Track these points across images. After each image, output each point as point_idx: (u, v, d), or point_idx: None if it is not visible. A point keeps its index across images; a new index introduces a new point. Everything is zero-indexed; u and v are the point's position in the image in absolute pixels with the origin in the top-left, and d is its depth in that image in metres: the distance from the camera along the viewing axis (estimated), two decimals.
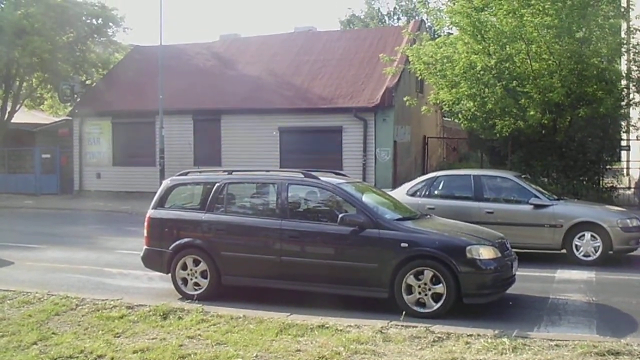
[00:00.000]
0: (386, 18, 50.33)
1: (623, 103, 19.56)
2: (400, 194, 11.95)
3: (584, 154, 19.06)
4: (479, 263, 7.64)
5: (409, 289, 7.69)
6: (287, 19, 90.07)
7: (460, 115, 20.51)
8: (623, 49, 19.49)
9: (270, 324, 6.91)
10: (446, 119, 29.62)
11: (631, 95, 19.79)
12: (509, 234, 9.45)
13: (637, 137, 20.14)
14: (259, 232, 8.59)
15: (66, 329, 6.95)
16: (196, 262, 8.74)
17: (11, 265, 11.43)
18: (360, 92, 22.44)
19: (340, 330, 6.69)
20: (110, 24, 29.57)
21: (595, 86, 18.35)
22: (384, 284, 7.78)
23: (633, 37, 19.17)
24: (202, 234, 8.80)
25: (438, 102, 20.79)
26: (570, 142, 19.07)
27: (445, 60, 19.08)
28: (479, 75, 18.32)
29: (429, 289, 7.63)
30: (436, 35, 24.95)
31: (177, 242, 8.85)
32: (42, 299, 8.15)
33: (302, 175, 8.79)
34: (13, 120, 29.46)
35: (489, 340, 6.25)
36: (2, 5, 27.91)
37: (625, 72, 19.81)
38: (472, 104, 19.22)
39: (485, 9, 18.53)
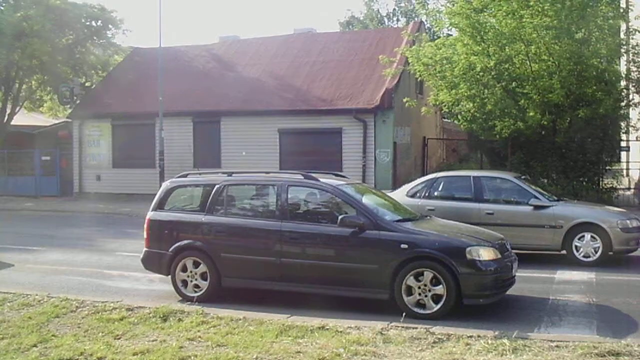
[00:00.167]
0: (385, 19, 50.34)
1: (622, 104, 19.58)
2: (400, 195, 11.95)
3: (583, 155, 19.06)
4: (479, 264, 7.64)
5: (409, 290, 7.70)
6: (287, 20, 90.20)
7: (459, 117, 20.52)
8: (622, 50, 19.50)
9: (270, 325, 6.91)
10: (446, 120, 29.60)
11: (631, 96, 19.80)
12: (509, 235, 9.45)
13: (636, 137, 20.14)
14: (258, 233, 8.58)
15: (66, 331, 6.95)
16: (196, 264, 8.74)
17: (11, 268, 11.42)
18: (359, 93, 22.45)
19: (341, 331, 6.69)
20: (110, 26, 29.62)
21: (594, 87, 18.35)
22: (384, 285, 7.78)
23: (632, 38, 19.18)
24: (201, 235, 8.80)
25: (438, 103, 20.80)
26: (570, 143, 19.08)
27: (444, 62, 19.10)
28: (478, 77, 18.34)
29: (429, 290, 7.63)
30: (435, 37, 25.01)
31: (177, 244, 8.85)
32: (42, 301, 8.15)
33: (302, 177, 8.79)
34: (13, 123, 29.48)
35: (489, 342, 6.25)
36: (2, 8, 27.91)
37: (625, 72, 19.82)
38: (471, 105, 19.24)
39: (485, 10, 18.55)
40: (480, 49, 17.90)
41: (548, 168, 19.02)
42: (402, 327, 6.81)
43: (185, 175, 9.73)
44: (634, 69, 19.20)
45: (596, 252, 11.12)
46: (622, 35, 20.33)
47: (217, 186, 8.98)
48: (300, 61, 25.37)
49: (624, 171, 23.41)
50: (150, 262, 9.23)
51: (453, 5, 19.01)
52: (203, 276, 8.68)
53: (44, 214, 22.00)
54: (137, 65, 28.17)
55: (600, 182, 19.91)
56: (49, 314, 7.56)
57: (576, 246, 11.21)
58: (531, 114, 18.10)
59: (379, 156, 21.90)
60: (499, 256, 7.88)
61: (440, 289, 7.58)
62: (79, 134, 26.26)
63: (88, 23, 29.13)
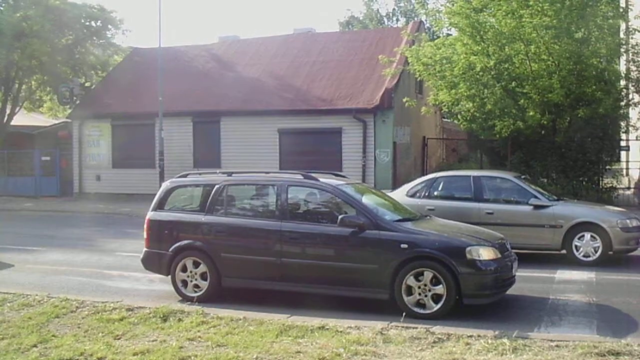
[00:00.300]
0: (385, 19, 50.35)
1: (622, 103, 19.59)
2: (400, 195, 11.95)
3: (583, 155, 19.06)
4: (478, 264, 7.64)
5: (409, 290, 7.69)
6: (286, 20, 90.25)
7: (459, 116, 20.53)
8: (622, 49, 19.51)
9: (270, 325, 6.91)
10: (445, 119, 29.61)
11: (630, 96, 19.81)
12: (509, 234, 9.45)
13: (636, 137, 20.14)
14: (258, 233, 8.58)
15: (66, 332, 6.95)
16: (196, 264, 8.74)
17: (11, 268, 11.42)
18: (359, 93, 22.45)
19: (341, 331, 6.68)
20: (109, 26, 29.61)
21: (594, 86, 18.35)
22: (384, 285, 7.78)
23: (632, 38, 19.19)
24: (201, 235, 8.80)
25: (437, 103, 20.81)
26: (569, 142, 19.08)
27: (444, 61, 19.11)
28: (478, 76, 18.35)
29: (429, 290, 7.63)
30: (435, 36, 25.01)
31: (177, 244, 8.85)
32: (42, 302, 8.15)
33: (302, 177, 8.79)
34: (12, 123, 29.47)
35: (489, 341, 6.25)
36: (1, 8, 27.92)
37: (625, 72, 19.83)
38: (471, 104, 19.25)
39: (484, 9, 18.56)
40: (479, 48, 17.91)
41: (548, 167, 19.03)
42: (402, 327, 6.81)
43: (185, 175, 9.72)
44: (634, 68, 19.20)
45: (596, 252, 11.12)
46: (621, 35, 20.34)
47: (217, 186, 8.98)
48: (300, 61, 25.37)
49: (624, 171, 23.42)
50: (150, 262, 9.23)
51: (453, 5, 19.02)
52: (203, 276, 8.68)
53: (44, 214, 21.99)
54: (136, 66, 28.17)
55: (600, 182, 19.91)
56: (49, 314, 7.56)
57: (576, 246, 11.21)
58: (531, 113, 18.10)
59: (378, 156, 21.91)
60: (499, 256, 7.88)
61: (440, 289, 7.58)
62: (79, 134, 26.25)
63: (88, 23, 29.13)
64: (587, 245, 11.16)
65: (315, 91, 23.36)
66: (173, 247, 8.85)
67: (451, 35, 21.56)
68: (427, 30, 28.51)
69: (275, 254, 8.35)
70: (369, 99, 21.95)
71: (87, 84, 30.00)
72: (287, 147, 22.75)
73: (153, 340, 6.55)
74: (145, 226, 9.24)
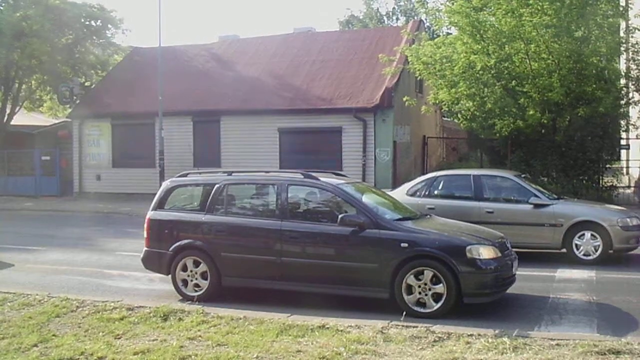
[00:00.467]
0: (385, 18, 50.35)
1: (622, 102, 19.57)
2: (400, 194, 11.95)
3: (583, 153, 19.05)
4: (479, 263, 7.64)
5: (409, 289, 7.69)
6: (286, 20, 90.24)
7: (459, 115, 20.52)
8: (622, 48, 19.49)
9: (270, 324, 6.91)
10: (446, 118, 29.63)
11: (630, 94, 19.80)
12: (509, 233, 9.44)
13: (636, 135, 20.13)
14: (259, 233, 8.58)
15: (67, 331, 6.95)
16: (196, 264, 8.74)
17: (11, 268, 11.43)
18: (359, 92, 22.44)
19: (341, 330, 6.68)
20: (109, 25, 29.62)
21: (594, 85, 18.35)
22: (384, 284, 7.78)
23: (632, 36, 19.17)
24: (202, 235, 8.80)
25: (437, 102, 20.80)
26: (569, 141, 19.07)
27: (444, 60, 19.11)
28: (478, 75, 18.34)
29: (429, 289, 7.63)
30: (435, 35, 25.00)
31: (177, 244, 8.85)
32: (42, 301, 8.15)
33: (302, 176, 8.78)
34: (12, 123, 29.49)
35: (490, 340, 6.25)
36: (1, 8, 27.91)
37: (625, 71, 19.82)
38: (471, 103, 19.25)
39: (484, 8, 18.55)
40: (479, 47, 17.90)
41: (548, 166, 19.03)
42: (403, 325, 6.81)
43: (185, 175, 9.72)
44: (634, 67, 19.19)
45: (596, 251, 11.12)
46: (621, 34, 20.32)
47: (217, 185, 8.97)
48: (300, 60, 25.36)
49: (624, 169, 23.41)
50: (151, 262, 9.23)
51: (453, 3, 19.01)
52: (203, 275, 8.68)
53: (44, 214, 22.00)
54: (136, 65, 28.16)
55: (600, 181, 19.91)
56: (49, 313, 7.56)
57: (576, 244, 11.21)
58: (531, 112, 18.09)
59: (378, 155, 21.90)
60: (499, 255, 7.88)
61: (440, 288, 7.58)
62: (79, 133, 26.25)
63: (87, 23, 29.12)
64: (587, 244, 11.15)
65: (315, 90, 23.35)
66: (173, 246, 8.85)
67: (451, 34, 21.54)
68: (427, 29, 28.48)
69: (276, 253, 8.35)
70: (369, 98, 21.94)
71: (87, 84, 30.01)
72: (287, 146, 22.75)
73: (153, 340, 6.55)
74: (145, 225, 9.24)
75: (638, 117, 19.56)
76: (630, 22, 19.42)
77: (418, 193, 12.25)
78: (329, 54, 25.25)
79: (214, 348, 6.24)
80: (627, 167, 23.45)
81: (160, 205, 9.29)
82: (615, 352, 5.87)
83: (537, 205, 11.49)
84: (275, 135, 23.03)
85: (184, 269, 8.79)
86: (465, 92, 18.78)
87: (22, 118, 31.29)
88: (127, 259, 11.97)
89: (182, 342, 6.41)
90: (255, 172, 10.15)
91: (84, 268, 11.37)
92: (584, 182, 19.17)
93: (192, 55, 28.10)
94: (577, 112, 18.07)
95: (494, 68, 18.10)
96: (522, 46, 17.87)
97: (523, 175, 13.28)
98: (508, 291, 8.27)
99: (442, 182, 12.48)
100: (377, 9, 50.80)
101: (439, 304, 7.58)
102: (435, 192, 12.29)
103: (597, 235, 11.10)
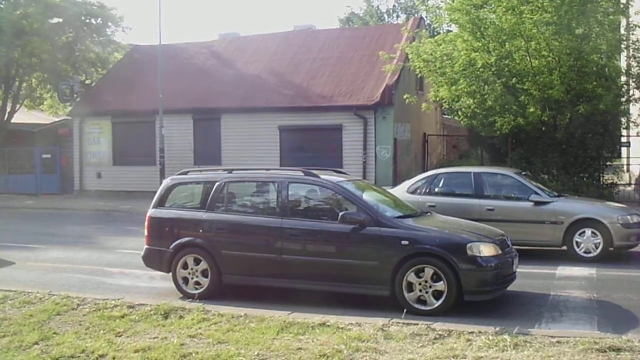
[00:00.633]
0: (385, 16, 50.32)
1: (623, 99, 19.56)
2: (400, 191, 11.94)
3: (584, 151, 19.05)
4: (479, 260, 7.64)
5: (410, 287, 7.70)
6: (286, 17, 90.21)
7: (460, 113, 20.51)
8: (623, 46, 19.49)
9: (271, 322, 6.91)
10: (446, 116, 29.61)
11: (631, 92, 19.79)
12: (510, 231, 9.45)
13: (637, 133, 20.13)
14: (259, 230, 8.59)
15: (67, 329, 6.95)
16: (197, 261, 8.74)
17: (12, 266, 11.43)
18: (360, 90, 22.43)
19: (342, 328, 6.69)
20: (109, 23, 29.62)
21: (595, 83, 18.34)
22: (385, 281, 7.78)
23: (632, 34, 19.16)
24: (202, 232, 8.79)
25: (438, 99, 20.80)
26: (570, 138, 19.06)
27: (444, 58, 19.10)
28: (478, 73, 18.33)
29: (430, 287, 7.63)
30: (435, 33, 24.94)
31: (178, 241, 8.85)
32: (43, 299, 8.15)
33: (302, 174, 8.77)
34: (13, 121, 29.50)
35: (490, 338, 6.25)
36: (1, 6, 27.90)
37: (625, 68, 19.80)
38: (471, 101, 19.24)
39: (485, 6, 18.55)
40: (480, 45, 17.90)
41: (548, 164, 19.03)
42: (403, 323, 6.81)
43: (185, 173, 9.72)
44: (634, 64, 19.19)
45: (597, 248, 11.11)
46: (622, 31, 20.31)
47: (217, 183, 8.97)
48: (300, 58, 25.34)
49: (625, 167, 23.42)
50: (151, 260, 9.23)
51: (453, 1, 19.00)
52: (204, 273, 8.68)
53: (45, 212, 22.01)
54: (136, 63, 28.14)
55: (601, 178, 19.92)
56: (50, 311, 7.57)
57: (577, 242, 11.21)
58: (531, 110, 18.09)
59: (379, 153, 21.90)
60: (500, 252, 7.88)
61: (441, 285, 7.58)
62: (79, 131, 26.24)
63: (88, 21, 29.12)
64: (587, 241, 11.15)
65: (316, 88, 23.35)
66: (174, 244, 8.85)
67: (451, 31, 21.52)
68: (427, 27, 28.48)
69: (276, 251, 8.35)
70: (370, 96, 21.93)
71: (87, 82, 30.01)
72: (287, 144, 22.74)
73: (154, 338, 6.56)
74: (146, 223, 9.23)
75: (638, 115, 19.56)
76: (630, 19, 19.40)
77: (418, 190, 12.26)
78: (329, 52, 25.23)
79: (214, 346, 6.24)
80: (628, 165, 23.45)
81: (160, 203, 9.28)
82: (616, 350, 5.87)
83: (537, 203, 11.49)
84: (275, 133, 23.02)
85: (185, 266, 8.79)
86: (465, 90, 18.77)
87: (23, 116, 31.29)
88: (128, 257, 11.97)
89: (182, 340, 6.41)
90: (256, 169, 10.14)
91: (85, 266, 11.38)
92: (585, 179, 19.17)
93: (192, 53, 28.09)
94: (577, 110, 18.06)
95: (495, 65, 18.08)
96: (523, 44, 17.86)
97: (523, 173, 13.28)
98: (509, 289, 8.27)
99: (442, 180, 12.48)
100: (378, 6, 50.79)
101: (440, 302, 7.58)
102: (436, 189, 12.29)
103: (598, 233, 11.10)
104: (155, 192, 9.61)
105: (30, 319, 7.28)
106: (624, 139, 22.17)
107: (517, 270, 8.34)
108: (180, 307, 7.60)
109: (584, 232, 11.18)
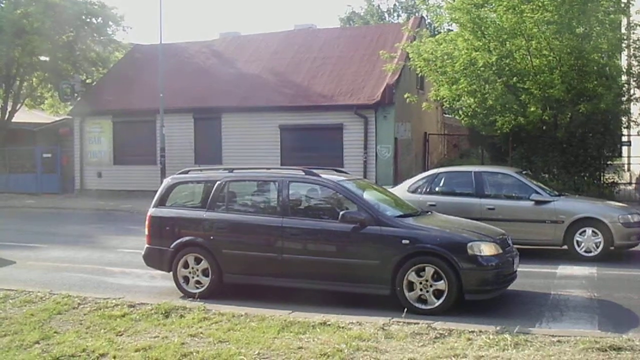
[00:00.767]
0: (386, 15, 50.33)
1: (624, 98, 19.54)
2: (401, 190, 11.94)
3: (584, 150, 19.04)
4: (480, 259, 7.64)
5: (411, 286, 7.70)
6: (287, 16, 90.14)
7: (460, 112, 20.51)
8: (623, 45, 19.47)
9: (271, 321, 6.91)
10: (447, 115, 29.58)
11: (632, 91, 19.77)
12: (510, 230, 9.45)
13: (637, 132, 20.12)
14: (260, 229, 8.59)
15: (68, 328, 6.96)
16: (197, 261, 8.74)
17: (13, 265, 11.43)
18: (360, 89, 22.42)
19: (342, 327, 6.69)
20: (110, 22, 29.63)
21: (595, 82, 18.33)
22: (386, 280, 7.78)
23: (633, 33, 19.14)
24: (203, 232, 8.79)
25: (438, 98, 20.79)
26: (571, 138, 19.05)
27: (445, 57, 19.08)
28: (479, 72, 18.32)
29: (431, 286, 7.63)
30: (436, 32, 24.97)
31: (179, 241, 8.85)
32: (44, 298, 8.16)
33: (303, 173, 8.77)
34: (13, 120, 29.51)
35: (491, 337, 6.25)
36: (2, 5, 27.91)
37: (626, 67, 19.79)
38: (472, 100, 19.24)
39: (485, 5, 18.54)
40: (481, 44, 17.90)
41: (549, 163, 19.02)
42: (404, 322, 6.81)
43: (186, 172, 9.72)
44: (635, 63, 19.16)
45: (597, 247, 11.11)
46: (623, 30, 20.30)
47: (218, 182, 8.97)
48: (301, 57, 25.33)
49: (625, 166, 23.41)
50: (152, 259, 9.24)
51: (453, 0, 18.99)
52: (205, 272, 8.69)
53: (45, 211, 22.01)
54: (137, 62, 28.14)
55: (602, 177, 19.91)
56: (51, 310, 7.57)
57: (577, 241, 11.20)
58: (532, 109, 18.08)
59: (380, 152, 21.89)
60: (501, 251, 7.88)
61: (441, 284, 7.58)
62: (80, 131, 26.25)
63: (88, 20, 29.12)
64: (588, 240, 11.15)
65: (316, 87, 23.34)
66: (174, 243, 8.85)
67: (452, 30, 21.52)
68: (428, 26, 28.46)
69: (277, 250, 8.35)
70: (370, 95, 21.92)
71: (88, 81, 30.02)
72: (288, 143, 22.74)
73: (155, 337, 6.56)
74: (146, 223, 9.24)
75: (639, 114, 19.54)
76: (631, 18, 19.38)
77: (419, 190, 12.26)
78: (330, 51, 25.22)
79: (215, 345, 6.24)
80: (629, 164, 23.45)
81: (161, 203, 9.29)
82: (617, 349, 5.87)
83: (538, 202, 11.49)
84: (276, 133, 23.02)
85: (185, 266, 8.79)
86: (466, 89, 18.77)
87: (23, 115, 31.30)
88: (129, 256, 11.98)
89: (183, 339, 6.42)
90: (257, 169, 10.15)
91: (86, 265, 11.39)
92: (585, 178, 19.17)
93: (192, 52, 28.09)
94: (578, 109, 18.05)
95: (495, 65, 18.08)
96: (523, 43, 17.86)
97: (524, 172, 13.28)
98: (509, 288, 8.27)
99: (443, 179, 12.48)
100: (378, 5, 50.85)
101: (440, 301, 7.58)
102: (437, 188, 12.29)
103: (599, 232, 11.09)
104: (155, 192, 9.62)
105: (31, 318, 7.29)
106: (624, 138, 22.16)
107: (518, 269, 8.34)
108: (181, 307, 7.60)
109: (584, 231, 11.17)
